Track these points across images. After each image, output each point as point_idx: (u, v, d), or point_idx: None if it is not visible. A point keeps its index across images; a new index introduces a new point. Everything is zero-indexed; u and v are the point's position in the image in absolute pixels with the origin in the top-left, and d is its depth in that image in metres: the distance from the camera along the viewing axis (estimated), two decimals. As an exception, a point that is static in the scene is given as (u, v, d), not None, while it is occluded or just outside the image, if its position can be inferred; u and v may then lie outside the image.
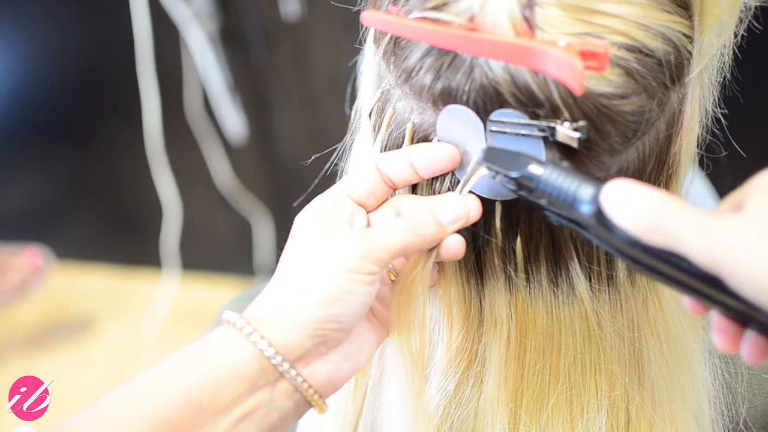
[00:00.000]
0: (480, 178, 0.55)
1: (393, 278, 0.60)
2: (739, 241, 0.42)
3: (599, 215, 0.48)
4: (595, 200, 0.48)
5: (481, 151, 0.54)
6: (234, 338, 0.53)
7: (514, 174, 0.52)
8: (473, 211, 0.55)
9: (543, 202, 0.52)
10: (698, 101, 0.59)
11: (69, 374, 2.17)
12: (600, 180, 0.49)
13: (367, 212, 0.58)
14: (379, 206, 0.59)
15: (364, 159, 0.62)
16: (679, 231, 0.44)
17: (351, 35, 0.67)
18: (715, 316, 0.47)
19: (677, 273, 0.46)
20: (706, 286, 0.45)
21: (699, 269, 0.44)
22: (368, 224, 0.58)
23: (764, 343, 0.45)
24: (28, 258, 2.12)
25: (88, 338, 2.29)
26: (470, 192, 0.56)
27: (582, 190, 0.49)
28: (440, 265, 0.60)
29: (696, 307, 0.48)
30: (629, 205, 0.46)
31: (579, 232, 0.51)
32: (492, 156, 0.54)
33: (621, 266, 0.58)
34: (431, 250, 0.56)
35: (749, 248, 0.42)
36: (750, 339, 0.46)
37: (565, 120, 0.51)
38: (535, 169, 0.51)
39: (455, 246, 0.56)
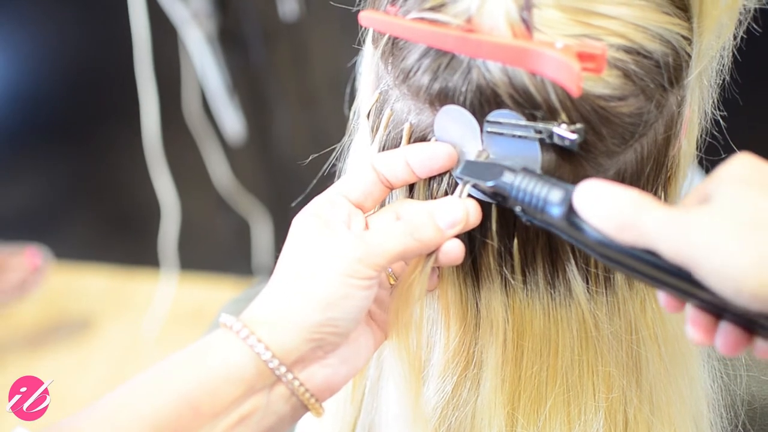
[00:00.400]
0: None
1: (392, 282, 0.60)
2: (705, 234, 0.43)
3: (569, 216, 0.49)
4: (564, 202, 0.49)
5: (459, 167, 0.55)
6: (231, 341, 0.53)
7: (489, 183, 0.53)
8: (472, 215, 0.55)
9: (517, 209, 0.53)
10: (697, 103, 0.59)
11: (68, 374, 2.17)
12: (573, 184, 0.50)
13: (365, 213, 0.58)
14: (376, 207, 0.59)
15: (362, 160, 0.62)
16: (648, 227, 0.45)
17: (350, 35, 0.67)
18: (690, 309, 0.47)
19: (649, 269, 0.46)
20: (678, 280, 0.45)
21: (670, 264, 0.45)
22: (366, 227, 0.57)
23: (738, 334, 0.46)
24: (27, 258, 2.12)
25: (87, 338, 2.29)
26: (469, 195, 0.55)
27: (552, 193, 0.50)
28: (438, 267, 0.59)
29: (672, 303, 0.48)
30: (601, 205, 0.47)
31: (552, 232, 0.52)
32: (468, 169, 0.55)
33: None
34: (430, 254, 0.56)
35: (715, 241, 0.42)
36: (724, 330, 0.46)
37: (563, 122, 0.51)
38: (507, 177, 0.52)
39: (454, 251, 0.56)
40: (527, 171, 0.52)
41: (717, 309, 0.45)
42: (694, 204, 0.46)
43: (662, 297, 0.49)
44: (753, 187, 0.44)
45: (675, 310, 0.49)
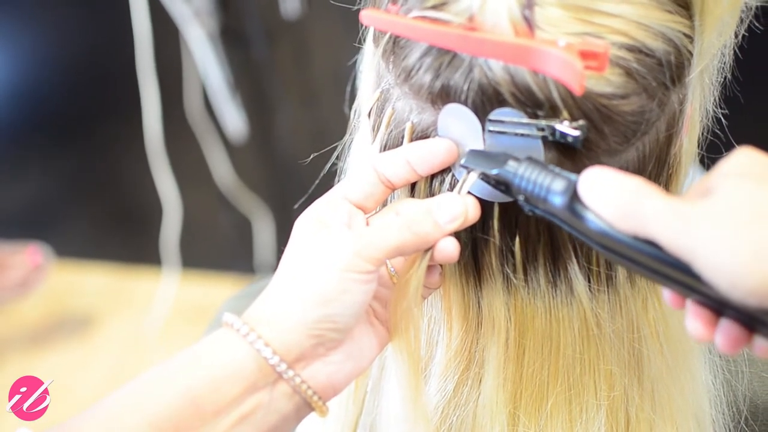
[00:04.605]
0: (477, 179, 0.55)
1: (396, 282, 0.60)
2: (705, 227, 0.43)
3: (571, 205, 0.49)
4: (567, 192, 0.50)
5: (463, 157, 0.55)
6: (232, 339, 0.53)
7: (493, 172, 0.53)
8: (471, 211, 0.55)
9: (520, 198, 0.53)
10: (699, 101, 0.59)
11: (70, 372, 2.18)
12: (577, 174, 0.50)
13: (366, 215, 0.58)
14: (378, 208, 0.59)
15: (363, 159, 0.62)
16: (648, 216, 0.45)
17: (351, 33, 0.67)
18: (690, 304, 0.47)
19: (649, 260, 0.46)
20: (678, 273, 0.45)
21: (670, 256, 0.45)
22: (367, 225, 0.57)
23: (738, 332, 0.46)
24: (28, 256, 2.12)
25: (89, 336, 2.29)
26: (469, 193, 0.55)
27: (555, 183, 0.50)
28: (441, 266, 0.59)
29: (674, 298, 0.48)
30: (604, 191, 0.47)
31: (554, 223, 0.52)
32: (472, 158, 0.55)
33: (621, 267, 0.58)
34: (426, 251, 0.56)
35: (712, 234, 0.43)
36: (724, 327, 0.46)
37: (565, 119, 0.51)
38: (511, 166, 0.52)
39: (449, 248, 0.55)
40: (532, 160, 0.52)
41: (717, 305, 0.45)
42: (696, 197, 0.45)
43: (665, 291, 0.49)
44: (752, 180, 0.44)
45: (678, 306, 0.48)
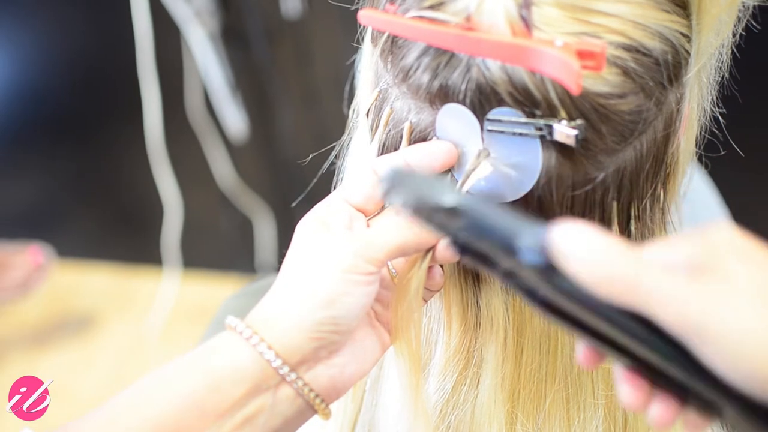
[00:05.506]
0: (477, 179, 0.55)
1: (397, 282, 0.60)
2: (723, 303, 0.39)
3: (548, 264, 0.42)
4: (543, 248, 0.42)
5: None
6: (236, 342, 0.53)
7: (447, 204, 0.46)
8: None
9: (462, 237, 0.46)
10: (696, 101, 0.59)
11: (72, 372, 2.18)
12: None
13: (368, 217, 0.58)
14: (379, 211, 0.59)
15: (361, 159, 0.62)
16: (649, 286, 0.40)
17: (353, 33, 0.67)
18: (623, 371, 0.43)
19: (627, 338, 0.41)
20: (654, 352, 0.41)
21: (652, 331, 0.40)
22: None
23: (675, 405, 0.43)
24: (30, 256, 2.12)
25: (90, 336, 2.30)
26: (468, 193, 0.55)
27: (526, 233, 0.43)
28: (442, 267, 0.59)
29: (592, 358, 0.45)
30: (588, 250, 0.40)
31: (492, 274, 0.46)
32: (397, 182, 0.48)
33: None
34: (427, 251, 0.56)
35: (734, 311, 0.39)
36: (661, 400, 0.43)
37: (563, 119, 0.51)
38: (461, 202, 0.45)
39: (449, 249, 0.56)
40: (483, 200, 0.47)
41: (682, 391, 0.42)
42: (685, 268, 0.40)
43: (582, 350, 0.45)
44: (753, 263, 0.41)
45: (592, 366, 0.45)
